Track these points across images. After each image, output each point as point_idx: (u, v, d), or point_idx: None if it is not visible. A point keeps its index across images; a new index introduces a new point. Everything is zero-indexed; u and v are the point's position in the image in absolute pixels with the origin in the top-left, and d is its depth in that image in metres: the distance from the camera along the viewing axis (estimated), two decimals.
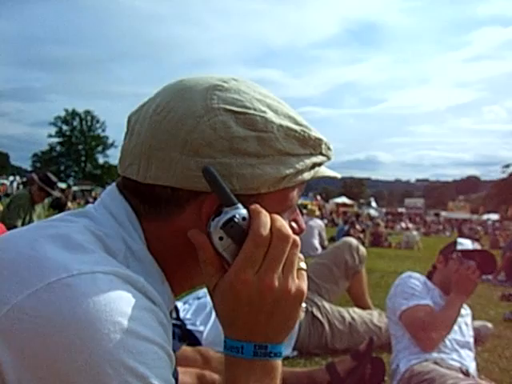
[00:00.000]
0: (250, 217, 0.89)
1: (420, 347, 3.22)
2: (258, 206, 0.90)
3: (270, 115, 0.94)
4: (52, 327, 0.72)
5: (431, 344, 3.19)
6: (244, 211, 0.89)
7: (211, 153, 0.89)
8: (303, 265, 0.95)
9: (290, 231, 0.90)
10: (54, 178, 7.48)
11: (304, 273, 0.94)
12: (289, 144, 0.95)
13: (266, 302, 0.88)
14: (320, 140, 1.01)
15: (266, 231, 0.87)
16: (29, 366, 0.72)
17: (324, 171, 1.04)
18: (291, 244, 0.89)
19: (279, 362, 0.93)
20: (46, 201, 7.83)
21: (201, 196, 0.91)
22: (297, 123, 0.97)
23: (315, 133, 1.00)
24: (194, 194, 0.91)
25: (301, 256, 0.94)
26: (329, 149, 1.04)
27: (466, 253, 3.43)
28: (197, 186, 0.90)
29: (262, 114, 0.93)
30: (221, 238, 0.88)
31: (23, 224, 6.77)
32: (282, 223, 0.90)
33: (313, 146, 0.99)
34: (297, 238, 0.91)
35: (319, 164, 1.02)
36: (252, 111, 0.92)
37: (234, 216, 0.88)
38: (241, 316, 0.89)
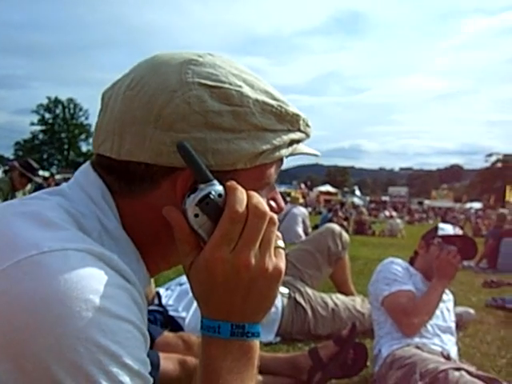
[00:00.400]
0: (226, 193, 0.87)
1: (402, 332, 3.24)
2: (234, 182, 0.88)
3: (246, 90, 0.92)
4: (21, 306, 0.71)
5: (413, 329, 3.21)
6: (220, 188, 0.87)
7: (185, 127, 0.88)
8: (281, 243, 0.93)
9: (266, 208, 0.88)
10: (35, 165, 7.45)
11: (282, 251, 0.93)
12: (265, 119, 0.93)
13: (243, 280, 0.86)
14: (298, 116, 0.99)
15: (241, 208, 0.86)
16: None
17: (302, 148, 1.02)
18: (268, 221, 0.88)
19: (257, 342, 0.92)
20: (28, 188, 7.77)
21: (175, 172, 0.89)
22: (273, 98, 0.96)
23: (293, 108, 0.99)
24: (169, 170, 0.89)
25: (278, 234, 0.92)
26: (307, 125, 1.02)
27: (447, 238, 3.46)
28: (171, 162, 0.88)
29: (237, 89, 0.91)
30: (196, 215, 0.86)
31: None
32: (259, 200, 0.88)
33: (290, 121, 0.98)
34: (274, 215, 0.90)
35: (297, 141, 1.01)
36: (227, 85, 0.91)
37: (210, 192, 0.86)
38: (217, 295, 0.88)
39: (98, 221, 0.91)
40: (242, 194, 0.87)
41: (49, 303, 0.71)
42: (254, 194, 0.89)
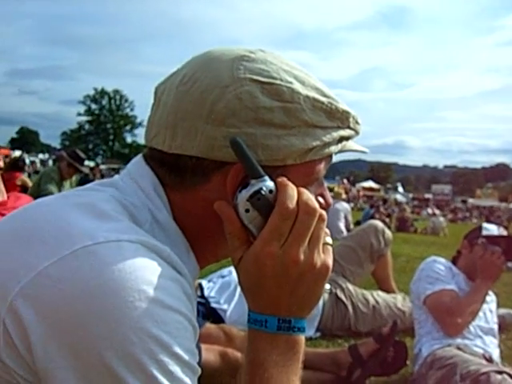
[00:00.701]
0: (277, 189, 0.88)
1: (445, 332, 3.20)
2: (284, 178, 0.89)
3: (297, 86, 0.93)
4: (77, 294, 0.73)
5: (456, 329, 3.17)
6: (271, 184, 0.88)
7: (237, 123, 0.89)
8: (329, 239, 0.94)
9: (316, 205, 0.89)
10: (82, 155, 7.54)
11: (330, 248, 0.94)
12: (315, 116, 0.94)
13: (291, 275, 0.87)
14: (348, 113, 0.99)
15: (292, 204, 0.86)
16: (54, 331, 0.73)
17: (351, 145, 1.03)
18: (317, 218, 0.89)
19: (302, 337, 0.93)
20: (74, 178, 7.89)
21: (226, 166, 0.91)
22: (324, 95, 0.96)
23: (343, 105, 0.99)
24: (220, 165, 0.91)
25: (327, 231, 0.94)
26: (357, 123, 1.02)
27: (492, 238, 3.39)
28: (222, 157, 0.90)
29: (288, 85, 0.92)
30: (247, 211, 0.88)
31: None
32: (309, 196, 0.89)
33: (340, 118, 0.98)
34: (323, 212, 0.90)
35: (347, 138, 1.01)
36: (278, 81, 0.92)
37: (261, 188, 0.87)
38: (265, 289, 0.89)
39: (150, 212, 0.93)
40: (292, 190, 0.88)
41: (103, 292, 0.73)
42: (304, 190, 0.89)
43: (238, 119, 0.89)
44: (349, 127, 1.00)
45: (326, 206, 1.03)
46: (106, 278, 0.74)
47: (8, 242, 0.83)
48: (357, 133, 1.03)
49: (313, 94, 0.95)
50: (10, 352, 0.75)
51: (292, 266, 0.87)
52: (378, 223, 5.46)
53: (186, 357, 0.78)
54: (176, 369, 0.76)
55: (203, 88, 0.91)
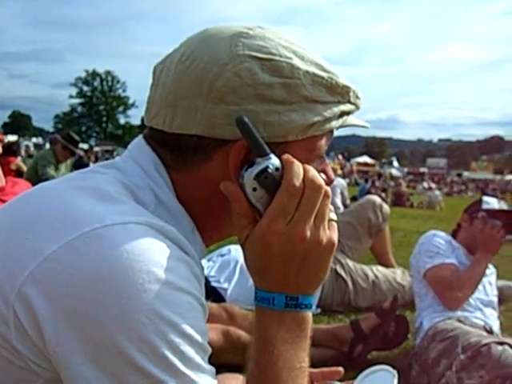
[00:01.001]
0: (283, 167, 0.87)
1: (445, 305, 3.22)
2: (290, 156, 0.89)
3: (296, 61, 0.93)
4: (87, 277, 0.73)
5: (456, 302, 3.19)
6: (277, 161, 0.88)
7: (237, 100, 0.89)
8: (333, 216, 0.94)
9: (322, 182, 0.89)
10: (76, 137, 7.56)
11: (334, 224, 0.94)
12: (316, 91, 0.93)
13: (298, 252, 0.87)
14: (348, 87, 0.99)
15: (298, 182, 0.86)
16: (64, 315, 0.73)
17: (352, 120, 1.02)
18: (323, 195, 0.89)
19: (309, 313, 0.93)
20: (69, 161, 7.89)
21: (228, 144, 0.90)
22: (324, 70, 0.96)
23: (343, 80, 0.98)
24: (221, 143, 0.91)
25: (331, 207, 0.93)
26: (357, 97, 1.02)
27: (492, 212, 3.39)
28: (223, 135, 0.90)
29: (288, 61, 0.92)
30: (254, 189, 0.87)
31: None
32: (315, 174, 0.89)
33: (340, 93, 0.97)
34: (328, 188, 0.90)
35: (347, 113, 1.00)
36: (278, 57, 0.91)
37: (268, 166, 0.87)
38: (272, 267, 0.89)
39: (153, 193, 0.93)
40: (298, 167, 0.87)
41: (113, 275, 0.73)
42: (309, 167, 0.89)
43: (238, 96, 0.88)
44: (349, 102, 1.00)
45: (328, 182, 1.02)
46: (114, 261, 0.74)
47: (14, 227, 0.83)
48: (357, 107, 1.03)
49: (313, 69, 0.94)
50: (22, 339, 0.75)
51: (298, 243, 0.87)
52: (376, 198, 5.46)
53: (196, 337, 0.78)
54: (187, 349, 0.76)
55: (202, 66, 0.90)
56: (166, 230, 0.84)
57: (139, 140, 1.01)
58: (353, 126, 1.04)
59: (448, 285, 3.18)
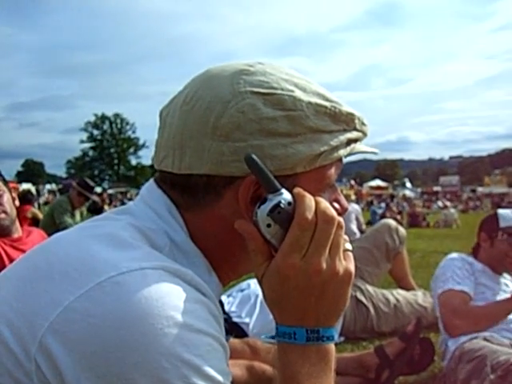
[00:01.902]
0: (295, 201, 0.88)
1: (445, 331, 3.22)
2: (301, 189, 0.89)
3: (298, 93, 0.93)
4: (106, 326, 0.73)
5: (455, 331, 3.18)
6: (288, 196, 0.88)
7: (242, 136, 0.90)
8: (349, 245, 0.94)
9: (334, 213, 0.88)
10: (91, 183, 7.60)
11: (350, 254, 0.93)
12: (320, 121, 0.94)
13: (315, 285, 0.87)
14: (352, 115, 0.99)
15: (311, 214, 0.86)
16: (86, 365, 0.73)
17: (360, 147, 1.02)
18: (336, 226, 0.88)
19: (332, 345, 0.92)
20: (84, 208, 7.93)
21: (237, 181, 0.91)
22: (327, 99, 0.96)
23: (347, 108, 0.99)
24: (230, 180, 0.91)
25: (346, 237, 0.93)
26: (363, 124, 1.02)
27: (510, 229, 3.36)
28: (231, 172, 0.90)
29: (289, 93, 0.93)
30: (269, 225, 0.87)
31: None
32: (327, 205, 0.88)
33: (345, 121, 0.98)
34: (341, 219, 0.90)
35: (355, 140, 1.01)
36: (279, 91, 0.92)
37: (280, 202, 0.87)
38: (290, 301, 0.88)
39: (167, 235, 0.93)
40: (310, 200, 0.87)
41: (132, 322, 0.74)
42: (321, 199, 0.89)
43: (243, 132, 0.89)
44: (355, 129, 1.00)
45: (341, 211, 1.02)
46: (133, 308, 0.74)
47: (32, 279, 0.83)
48: (364, 134, 1.03)
49: (315, 99, 0.95)
50: None
51: (315, 275, 0.86)
52: (391, 222, 5.45)
53: (218, 378, 0.78)
54: None
55: (206, 105, 0.92)
56: (182, 272, 0.84)
57: (150, 184, 1.02)
58: (361, 153, 1.05)
59: (452, 311, 3.17)
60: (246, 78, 0.93)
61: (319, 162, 0.94)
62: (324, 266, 0.86)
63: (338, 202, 1.03)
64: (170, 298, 0.77)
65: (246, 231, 0.90)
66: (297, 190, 0.89)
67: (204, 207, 0.95)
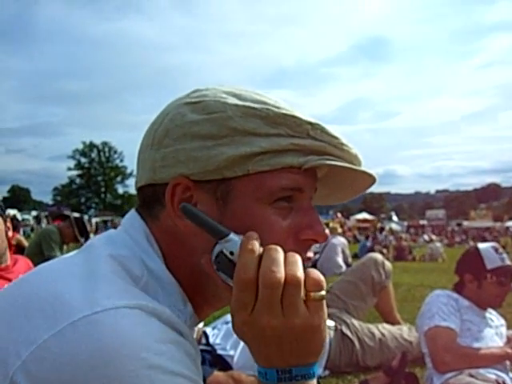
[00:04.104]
0: (240, 250, 0.84)
1: (433, 367, 3.22)
2: (249, 236, 0.85)
3: (229, 100, 0.93)
4: (77, 366, 0.73)
5: (444, 367, 3.19)
6: (233, 244, 0.85)
7: (169, 142, 0.92)
8: (319, 294, 0.84)
9: (279, 275, 0.81)
10: (89, 227, 7.33)
11: (319, 303, 0.84)
12: (248, 122, 0.90)
13: (270, 339, 0.82)
14: (299, 119, 0.92)
15: (247, 274, 0.81)
16: None
17: (322, 161, 0.92)
18: (283, 288, 0.81)
19: (311, 382, 0.86)
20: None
21: (168, 186, 0.92)
22: (263, 103, 0.92)
23: (289, 111, 0.92)
24: (165, 187, 0.92)
25: (319, 281, 0.84)
26: (326, 133, 0.93)
27: (499, 271, 3.38)
28: (162, 177, 0.92)
29: (217, 99, 0.93)
30: (217, 270, 0.87)
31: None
32: (270, 266, 0.81)
33: (286, 124, 0.91)
34: (295, 275, 0.81)
35: (320, 152, 0.92)
36: (208, 98, 0.93)
37: (221, 251, 0.85)
38: (254, 348, 0.86)
39: (143, 263, 0.92)
40: (251, 255, 0.82)
41: (104, 363, 0.73)
42: (267, 256, 0.83)
43: (170, 138, 0.92)
44: (311, 137, 0.92)
45: (317, 239, 0.95)
46: (106, 349, 0.74)
47: (10, 313, 0.83)
48: (329, 144, 0.93)
49: (245, 103, 0.92)
50: None
51: (267, 330, 0.81)
52: (378, 256, 5.47)
53: None
54: None
55: (153, 121, 0.97)
56: (158, 311, 0.82)
57: (132, 211, 1.02)
58: (330, 166, 0.93)
59: (442, 348, 3.19)
60: (192, 94, 0.97)
61: (252, 167, 0.89)
62: (275, 322, 0.81)
63: (311, 228, 0.94)
64: (144, 339, 0.76)
65: (208, 270, 0.89)
66: (246, 236, 0.85)
67: (158, 219, 0.96)
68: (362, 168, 0.96)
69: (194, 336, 1.00)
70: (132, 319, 0.78)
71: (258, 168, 0.89)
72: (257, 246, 0.84)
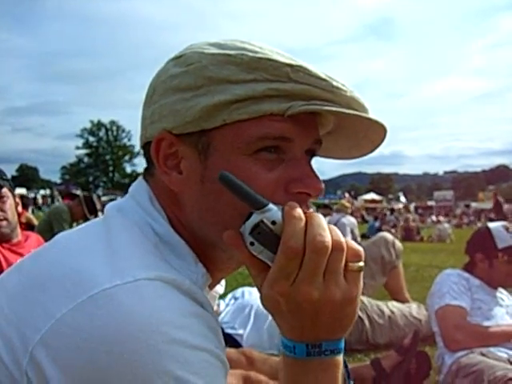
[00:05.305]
0: (284, 220, 0.80)
1: (445, 346, 3.20)
2: (291, 207, 0.81)
3: (208, 50, 0.90)
4: (97, 342, 0.71)
5: (455, 345, 3.18)
6: (275, 214, 0.81)
7: (156, 98, 0.92)
8: (357, 265, 0.83)
9: (326, 239, 0.79)
10: (98, 206, 7.33)
11: (356, 274, 0.83)
12: (222, 70, 0.85)
13: (307, 311, 0.81)
14: (276, 62, 0.85)
15: (297, 243, 0.78)
16: (77, 381, 0.71)
17: (316, 106, 0.85)
18: (329, 254, 0.79)
19: (337, 358, 0.86)
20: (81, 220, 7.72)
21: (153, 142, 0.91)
22: (241, 49, 0.87)
23: (266, 55, 0.86)
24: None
25: (358, 253, 0.84)
26: (308, 74, 0.86)
27: (508, 249, 3.35)
28: (151, 134, 0.92)
29: (196, 50, 0.91)
30: (252, 244, 0.82)
31: None
32: (317, 231, 0.79)
33: (265, 69, 0.85)
34: (339, 241, 0.80)
35: (303, 96, 0.85)
36: (189, 51, 0.92)
37: (261, 221, 0.81)
38: (286, 321, 0.84)
39: (151, 227, 0.90)
40: (299, 223, 0.79)
41: (123, 338, 0.71)
42: (314, 222, 0.80)
43: (157, 94, 0.92)
44: (292, 80, 0.85)
45: (308, 192, 0.89)
46: (125, 323, 0.72)
47: (26, 287, 0.81)
48: (316, 87, 0.86)
49: (223, 51, 0.88)
50: None
51: (306, 303, 0.80)
52: (388, 235, 5.47)
53: None
54: None
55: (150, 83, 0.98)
56: (178, 282, 0.80)
57: (139, 177, 1.01)
58: (317, 111, 0.86)
59: (454, 326, 3.18)
60: (181, 50, 0.96)
61: (228, 116, 0.84)
62: (315, 294, 0.79)
63: (301, 180, 0.88)
64: (165, 312, 0.74)
65: (232, 243, 0.85)
66: (288, 207, 0.81)
67: (155, 178, 0.95)
68: (362, 113, 0.88)
69: (215, 308, 0.98)
70: (152, 292, 0.76)
71: (235, 117, 0.84)
72: (302, 214, 0.80)
